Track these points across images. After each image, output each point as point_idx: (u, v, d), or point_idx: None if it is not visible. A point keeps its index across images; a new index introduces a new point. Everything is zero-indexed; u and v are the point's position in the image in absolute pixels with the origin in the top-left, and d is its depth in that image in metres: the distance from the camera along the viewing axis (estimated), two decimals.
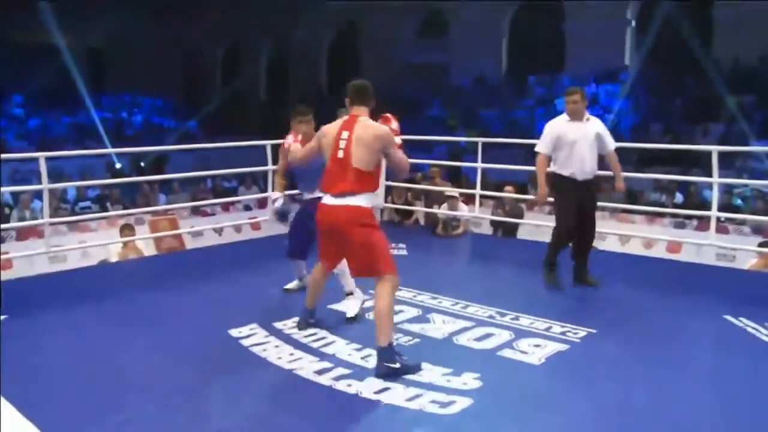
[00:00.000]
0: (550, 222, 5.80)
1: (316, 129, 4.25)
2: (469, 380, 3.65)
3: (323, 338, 4.26)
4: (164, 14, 26.51)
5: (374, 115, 4.08)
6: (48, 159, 5.99)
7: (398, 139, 4.07)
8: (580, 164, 5.37)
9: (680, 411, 3.40)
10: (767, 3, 16.72)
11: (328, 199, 3.94)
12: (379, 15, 24.82)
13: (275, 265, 5.61)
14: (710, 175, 6.26)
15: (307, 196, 5.06)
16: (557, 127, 5.49)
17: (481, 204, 8.07)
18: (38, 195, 9.00)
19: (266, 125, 20.20)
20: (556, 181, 5.52)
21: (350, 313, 4.72)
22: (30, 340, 4.31)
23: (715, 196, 6.38)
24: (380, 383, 3.59)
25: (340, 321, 4.62)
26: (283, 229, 5.41)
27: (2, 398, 3.35)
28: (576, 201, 5.40)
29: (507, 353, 4.08)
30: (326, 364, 3.85)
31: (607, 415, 3.36)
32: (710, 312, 4.82)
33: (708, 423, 3.33)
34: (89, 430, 3.17)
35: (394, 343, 3.80)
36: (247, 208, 11.75)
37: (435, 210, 8.20)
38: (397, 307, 4.77)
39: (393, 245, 6.85)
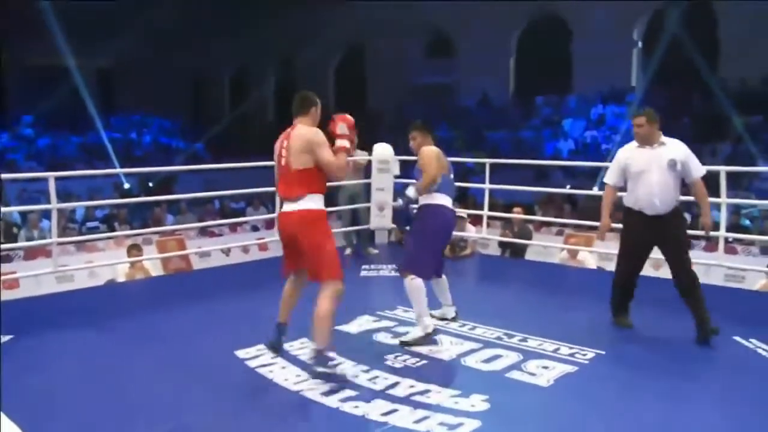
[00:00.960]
0: (558, 243, 5.77)
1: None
2: (478, 402, 3.62)
3: (330, 360, 4.24)
4: (174, 36, 26.74)
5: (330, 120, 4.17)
6: (57, 179, 6.02)
7: (342, 142, 4.09)
8: (648, 197, 4.72)
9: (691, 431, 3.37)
10: None
11: (284, 207, 4.09)
12: (386, 36, 24.98)
13: (282, 285, 5.58)
14: (718, 196, 6.23)
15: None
16: (624, 154, 4.91)
17: (488, 225, 8.06)
18: (47, 215, 9.04)
19: (274, 147, 20.29)
20: (624, 217, 4.95)
21: (405, 337, 4.66)
22: (35, 359, 4.30)
23: (723, 217, 6.35)
24: (388, 405, 3.57)
25: (346, 342, 4.60)
26: None
27: (3, 416, 3.34)
28: (644, 240, 4.81)
29: (515, 375, 4.06)
30: (333, 386, 3.82)
31: None
32: (720, 333, 4.78)
33: None
34: None
35: (333, 359, 3.89)
36: (255, 228, 11.78)
37: None
38: (404, 329, 4.79)
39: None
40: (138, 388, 3.87)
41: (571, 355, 4.37)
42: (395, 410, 3.52)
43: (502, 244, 8.96)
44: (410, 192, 4.73)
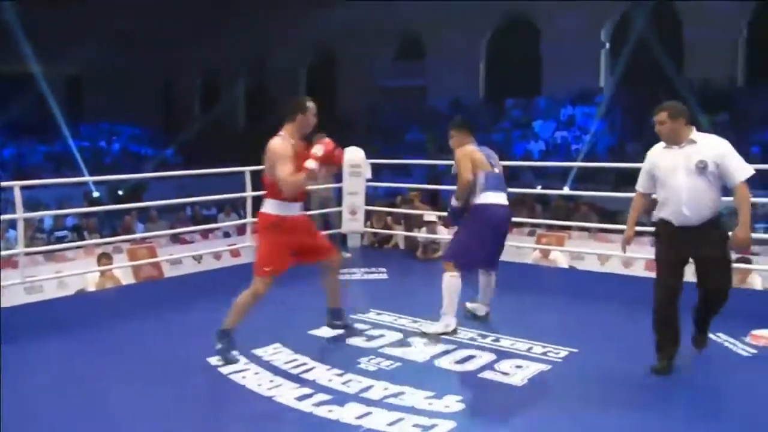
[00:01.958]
0: (530, 243, 5.77)
1: None
2: (452, 403, 3.63)
3: (303, 364, 4.22)
4: (143, 43, 26.53)
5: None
6: (24, 188, 5.93)
7: (310, 163, 4.15)
8: (675, 204, 3.98)
9: (663, 427, 3.40)
10: (735, 26, 17.14)
11: None
12: (357, 39, 24.99)
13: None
14: None
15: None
16: (651, 156, 4.21)
17: None
18: (13, 224, 8.90)
19: (245, 152, 20.21)
20: (655, 230, 4.26)
21: (426, 328, 4.82)
22: (5, 371, 4.23)
23: None
24: (362, 409, 3.56)
25: (320, 346, 4.59)
26: None
27: None
28: (675, 258, 4.05)
29: (489, 375, 4.07)
30: (306, 390, 3.80)
31: None
32: (689, 328, 4.82)
33: None
34: None
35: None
36: (227, 235, 11.69)
37: (415, 234, 8.20)
38: (378, 332, 4.78)
39: (373, 269, 6.86)
40: (108, 397, 3.82)
41: (544, 353, 4.40)
42: (369, 413, 3.51)
43: None
44: (453, 203, 4.89)
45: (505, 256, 8.63)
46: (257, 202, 6.68)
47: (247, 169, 7.13)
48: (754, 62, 19.45)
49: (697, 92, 17.60)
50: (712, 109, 16.62)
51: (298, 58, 27.71)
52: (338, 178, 7.83)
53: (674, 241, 4.02)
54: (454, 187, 4.96)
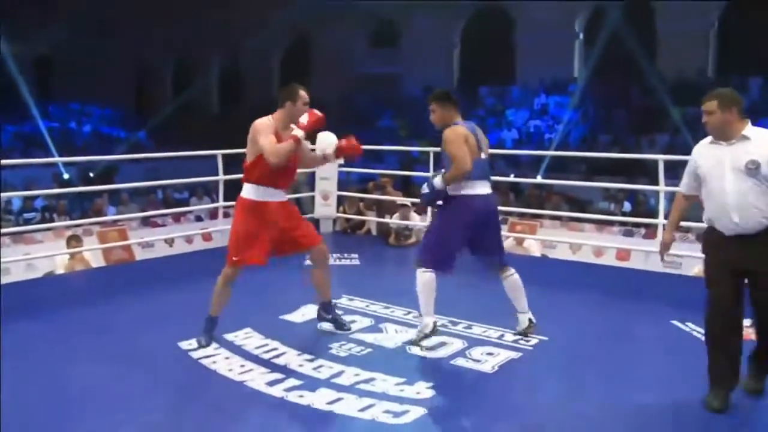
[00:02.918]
0: (503, 231, 5.74)
1: None
2: (423, 389, 3.65)
3: (274, 349, 4.21)
4: (115, 23, 26.14)
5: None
6: None
7: (296, 131, 4.15)
8: (720, 210, 3.44)
9: (631, 413, 3.45)
10: (704, 20, 17.31)
11: None
12: (331, 26, 24.86)
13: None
14: (657, 184, 6.37)
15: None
16: (695, 153, 3.72)
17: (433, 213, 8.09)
18: None
19: (218, 136, 20.07)
20: (704, 237, 3.73)
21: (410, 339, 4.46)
22: None
23: (662, 205, 6.49)
24: (333, 394, 3.56)
25: (291, 331, 4.58)
26: None
27: None
28: (726, 270, 3.45)
29: (460, 362, 4.09)
30: (277, 376, 3.80)
31: (560, 421, 3.39)
32: (658, 317, 4.90)
33: (657, 423, 3.39)
34: None
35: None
36: (199, 219, 11.59)
37: (387, 219, 8.20)
38: (349, 317, 4.78)
39: (345, 255, 6.85)
40: (76, 381, 3.79)
41: (515, 341, 4.43)
42: (340, 399, 3.52)
43: None
44: (437, 182, 4.23)
45: None
46: (230, 186, 6.67)
47: (220, 152, 7.08)
48: (725, 54, 19.69)
49: (669, 84, 17.79)
50: (683, 101, 16.80)
51: (272, 44, 27.48)
52: None
53: (725, 252, 3.47)
54: (426, 174, 4.87)
